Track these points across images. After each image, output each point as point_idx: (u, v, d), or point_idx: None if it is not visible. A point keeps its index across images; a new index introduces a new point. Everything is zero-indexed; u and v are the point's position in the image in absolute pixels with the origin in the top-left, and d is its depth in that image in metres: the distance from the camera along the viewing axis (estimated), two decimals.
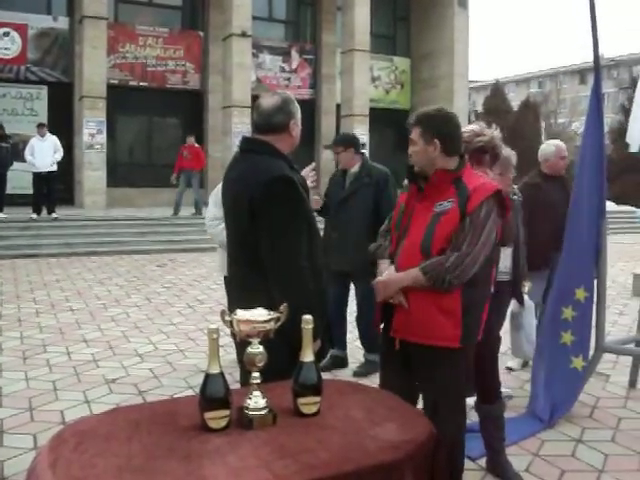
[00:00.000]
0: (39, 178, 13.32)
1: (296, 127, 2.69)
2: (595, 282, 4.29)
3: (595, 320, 4.37)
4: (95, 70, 16.32)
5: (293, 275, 2.48)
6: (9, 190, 13.79)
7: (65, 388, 4.71)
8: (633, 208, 22.53)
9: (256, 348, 2.02)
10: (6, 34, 16.78)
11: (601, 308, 4.36)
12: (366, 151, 19.35)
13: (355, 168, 5.15)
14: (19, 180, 14.87)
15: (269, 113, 2.65)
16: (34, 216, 13.44)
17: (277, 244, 2.49)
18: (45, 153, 13.23)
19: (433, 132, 2.67)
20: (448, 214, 2.61)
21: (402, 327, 2.69)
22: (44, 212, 13.62)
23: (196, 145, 14.99)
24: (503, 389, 4.55)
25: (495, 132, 3.24)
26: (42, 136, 13.32)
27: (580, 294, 4.19)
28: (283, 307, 2.07)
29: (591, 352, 4.40)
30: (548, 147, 5.29)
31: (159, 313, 7.32)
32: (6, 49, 16.84)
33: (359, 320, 5.26)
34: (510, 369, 5.27)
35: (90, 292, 8.51)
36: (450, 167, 2.69)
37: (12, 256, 11.47)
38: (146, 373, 5.11)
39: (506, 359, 5.16)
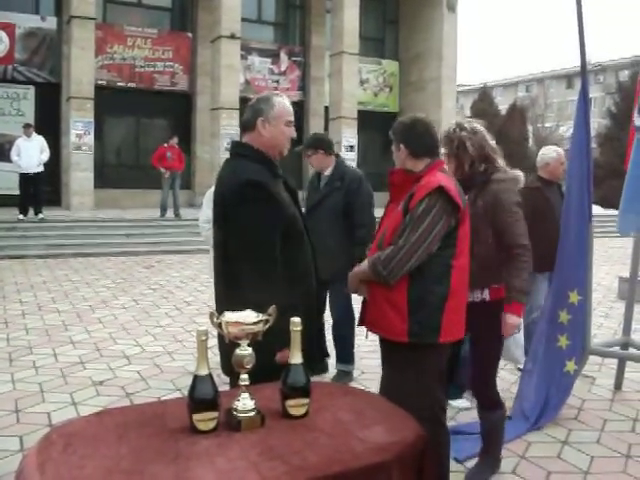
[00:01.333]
0: (25, 179, 13.22)
1: (267, 125, 2.66)
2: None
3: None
4: (83, 71, 16.23)
5: (257, 278, 2.47)
6: None
7: (52, 390, 4.68)
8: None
9: (244, 350, 2.03)
10: None
11: (588, 310, 4.39)
12: (354, 153, 19.51)
13: (328, 171, 4.95)
14: (5, 181, 14.77)
15: (244, 111, 2.76)
16: (20, 217, 13.36)
17: (242, 247, 2.52)
18: (31, 153, 13.13)
19: (399, 139, 2.88)
20: (395, 213, 2.79)
21: (368, 319, 2.86)
22: (31, 213, 13.53)
23: (177, 147, 14.97)
24: None
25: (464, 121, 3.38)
26: (28, 136, 13.23)
27: (574, 297, 4.21)
28: (272, 309, 2.07)
29: None
30: (549, 152, 5.29)
31: (146, 315, 7.29)
32: None
33: (335, 331, 5.00)
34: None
35: (77, 293, 8.47)
36: (417, 169, 2.83)
37: None
38: (133, 375, 5.10)
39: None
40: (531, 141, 38.16)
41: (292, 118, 2.74)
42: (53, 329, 6.48)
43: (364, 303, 2.89)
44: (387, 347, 2.85)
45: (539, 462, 3.61)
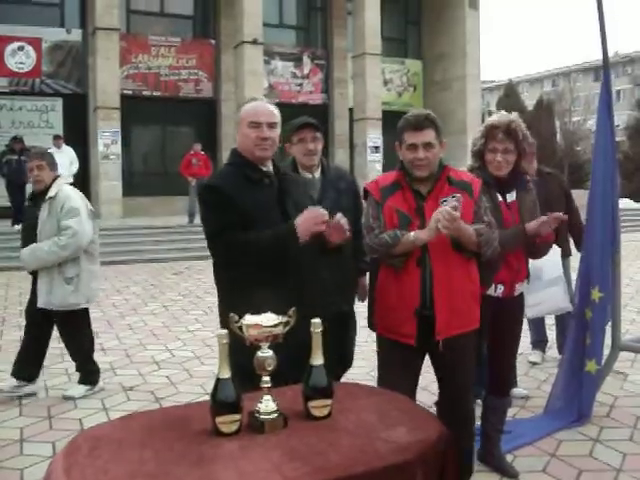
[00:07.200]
0: None
1: (240, 131, 2.76)
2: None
3: (611, 318, 4.33)
4: (109, 81, 16.48)
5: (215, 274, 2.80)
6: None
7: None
8: None
9: (266, 352, 2.04)
10: (20, 48, 17.00)
11: (616, 306, 4.32)
12: (380, 154, 19.43)
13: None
14: None
15: None
16: None
17: (209, 247, 2.73)
18: (62, 164, 13.28)
19: (441, 133, 2.83)
20: (462, 206, 2.72)
21: (445, 326, 2.77)
22: None
23: (202, 152, 15.12)
24: (520, 389, 4.56)
25: (511, 117, 3.29)
26: (58, 147, 13.47)
27: (595, 294, 4.13)
28: (292, 311, 2.08)
29: (608, 351, 4.37)
30: None
31: (176, 320, 7.36)
32: (21, 63, 17.07)
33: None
34: (534, 363, 5.28)
35: (107, 301, 8.58)
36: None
37: None
38: (163, 380, 5.15)
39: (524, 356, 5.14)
40: (559, 136, 37.69)
41: (257, 119, 2.70)
42: None
43: (424, 317, 2.78)
44: (449, 343, 2.81)
45: (570, 460, 3.56)
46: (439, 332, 2.77)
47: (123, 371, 5.39)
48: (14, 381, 4.68)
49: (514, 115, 3.31)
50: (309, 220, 2.59)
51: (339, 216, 2.76)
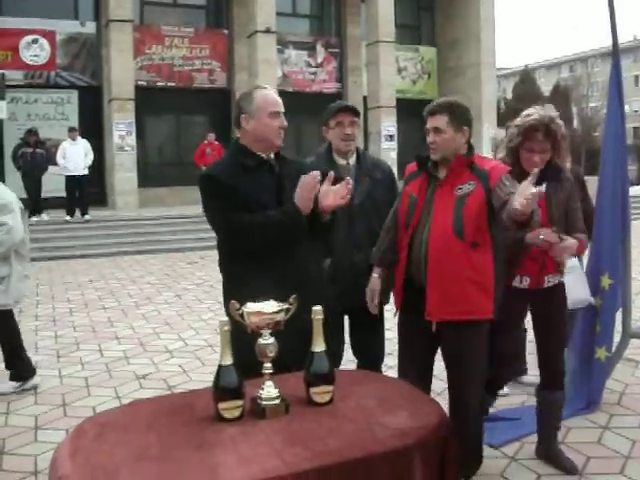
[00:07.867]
0: (71, 181, 13.58)
1: (251, 121, 2.67)
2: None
3: (621, 305, 4.31)
4: (123, 72, 16.52)
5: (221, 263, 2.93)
6: (43, 193, 14.03)
7: (97, 384, 4.82)
8: None
9: (267, 339, 2.07)
10: (35, 41, 17.08)
11: (627, 292, 4.31)
12: (394, 142, 19.33)
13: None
14: (52, 183, 15.14)
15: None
16: (67, 218, 13.71)
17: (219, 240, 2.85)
18: (77, 156, 13.48)
19: (462, 120, 2.82)
20: (473, 194, 2.75)
21: (437, 309, 2.79)
22: (77, 214, 13.89)
23: (216, 142, 15.17)
24: (530, 377, 4.55)
25: (551, 113, 3.24)
26: (73, 140, 13.58)
27: (605, 281, 4.12)
28: (293, 298, 2.10)
29: (618, 338, 4.35)
30: None
31: (189, 310, 7.42)
32: (35, 56, 17.16)
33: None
34: None
35: (122, 291, 8.67)
36: (464, 153, 2.85)
37: (47, 258, 11.70)
38: (176, 369, 5.21)
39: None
40: (576, 122, 37.32)
41: (277, 109, 2.69)
42: (99, 326, 6.66)
43: (415, 293, 2.84)
44: (450, 328, 2.81)
45: (579, 447, 3.56)
46: (430, 313, 2.80)
47: (136, 360, 5.45)
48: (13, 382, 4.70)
49: (553, 113, 3.24)
50: (304, 189, 2.57)
51: (332, 173, 2.66)
